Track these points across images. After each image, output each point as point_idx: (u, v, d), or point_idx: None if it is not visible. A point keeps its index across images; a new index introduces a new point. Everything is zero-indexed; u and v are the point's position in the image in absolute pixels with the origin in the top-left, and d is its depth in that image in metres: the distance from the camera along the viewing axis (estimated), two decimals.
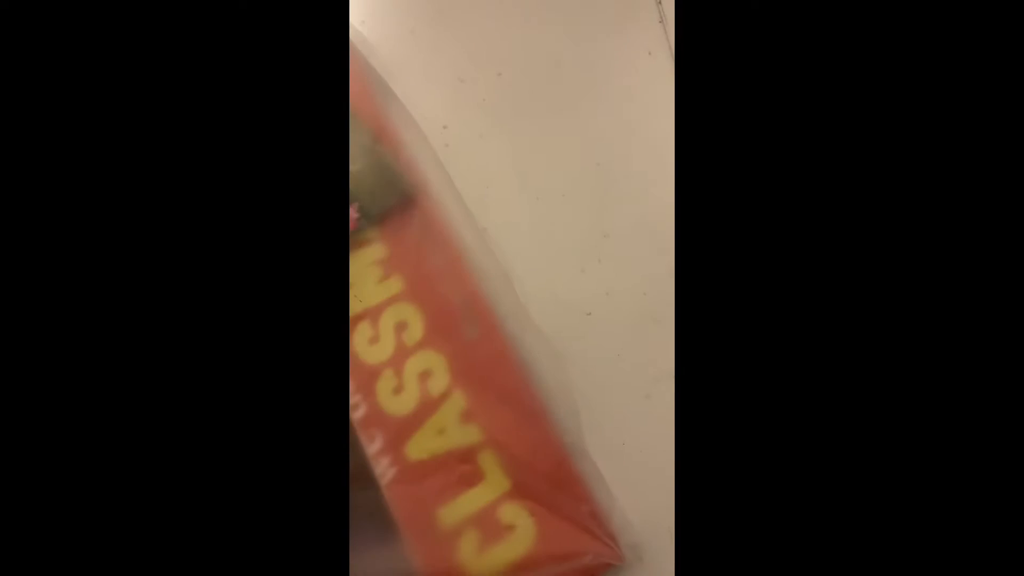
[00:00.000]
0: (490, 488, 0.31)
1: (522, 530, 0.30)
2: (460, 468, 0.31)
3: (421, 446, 0.32)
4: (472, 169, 0.36)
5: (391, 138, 0.35)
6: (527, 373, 0.33)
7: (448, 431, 0.32)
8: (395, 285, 0.34)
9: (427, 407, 0.32)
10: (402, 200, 0.35)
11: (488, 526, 0.30)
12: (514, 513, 0.30)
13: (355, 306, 0.33)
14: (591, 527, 0.30)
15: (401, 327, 0.33)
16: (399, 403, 0.32)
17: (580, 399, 0.32)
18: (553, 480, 0.31)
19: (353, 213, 0.34)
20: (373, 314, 0.33)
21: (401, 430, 0.32)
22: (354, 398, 0.32)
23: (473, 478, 0.31)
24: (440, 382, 0.33)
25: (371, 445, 0.31)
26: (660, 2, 0.39)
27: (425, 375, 0.33)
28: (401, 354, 0.33)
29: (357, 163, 0.34)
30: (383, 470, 0.31)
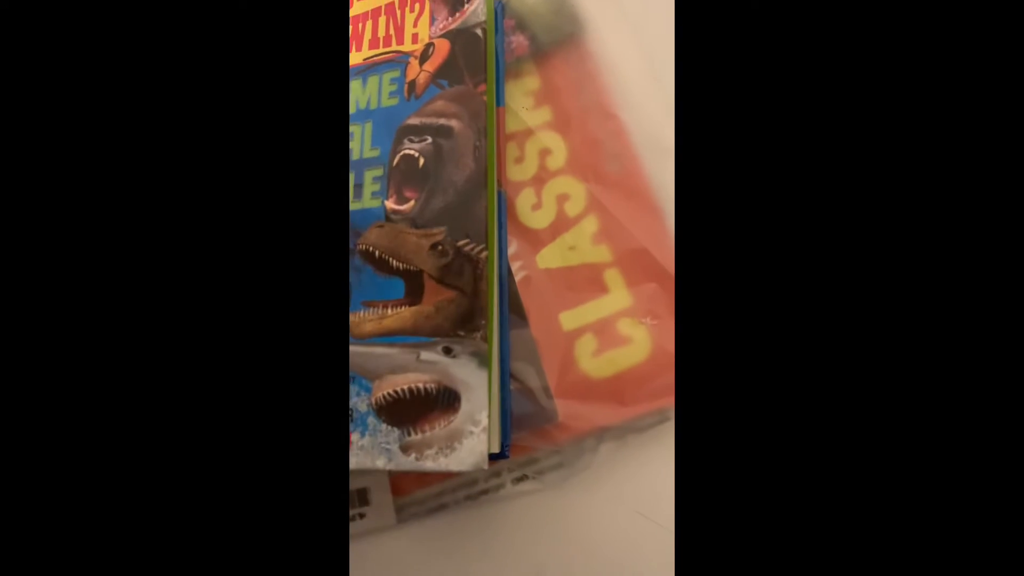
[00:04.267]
0: (612, 302, 0.33)
1: (638, 343, 0.32)
2: (586, 281, 0.33)
3: (552, 257, 0.34)
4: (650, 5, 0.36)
5: None
6: (662, 210, 0.34)
7: (579, 248, 0.34)
8: (544, 115, 0.36)
9: (562, 225, 0.34)
10: (569, 35, 0.36)
11: (606, 334, 0.32)
12: (632, 327, 0.32)
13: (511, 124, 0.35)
14: None
15: (545, 153, 0.36)
16: (536, 218, 0.35)
17: None
18: (673, 306, 0.32)
19: (524, 40, 0.36)
20: (520, 138, 0.36)
21: (536, 241, 0.34)
22: None
23: (597, 292, 0.33)
24: (577, 205, 0.35)
25: (508, 248, 0.34)
26: None
27: (563, 197, 0.35)
28: (543, 176, 0.35)
29: None
30: (516, 270, 0.33)
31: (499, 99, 0.34)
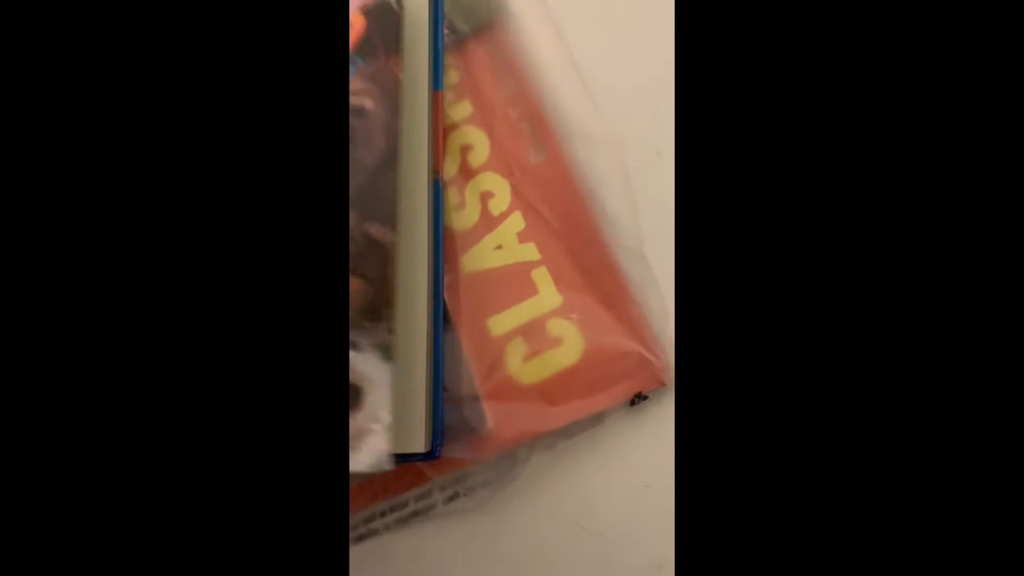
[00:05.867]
0: (541, 303, 0.31)
1: (569, 343, 0.30)
2: (514, 283, 0.31)
3: (477, 259, 0.32)
4: None
5: None
6: (590, 201, 0.32)
7: (505, 248, 0.32)
8: (464, 109, 0.34)
9: (486, 224, 0.32)
10: (485, 23, 0.35)
11: (536, 337, 0.30)
12: (562, 328, 0.30)
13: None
14: (641, 343, 0.29)
15: (467, 149, 0.34)
16: (460, 219, 0.33)
17: (645, 232, 0.32)
18: (607, 303, 0.30)
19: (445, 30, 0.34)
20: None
21: (460, 243, 0.32)
22: None
23: (526, 293, 0.31)
24: (501, 203, 0.33)
25: None
26: None
27: (487, 195, 0.33)
28: (466, 174, 0.33)
29: None
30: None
31: (437, 82, 0.32)
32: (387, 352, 0.26)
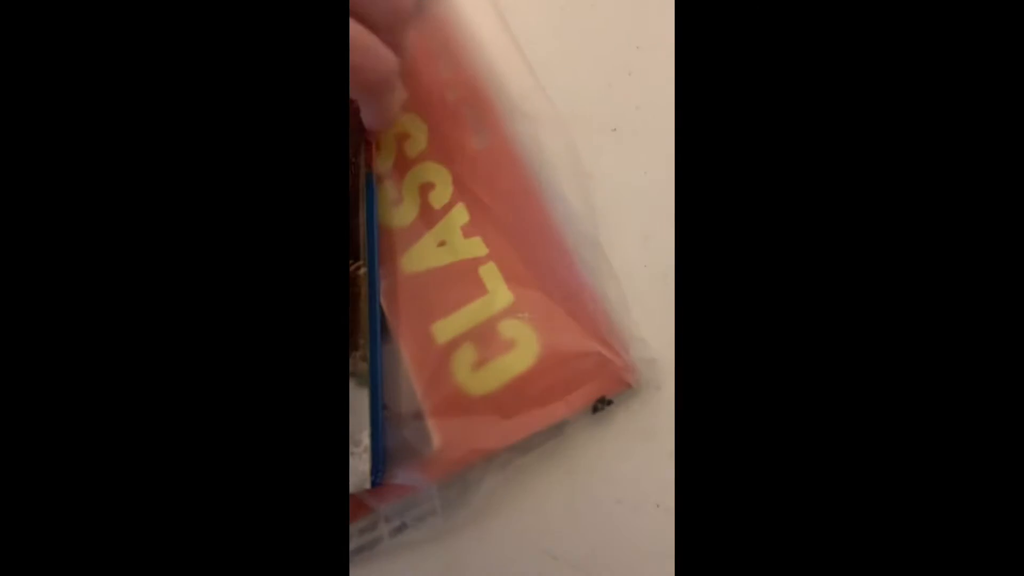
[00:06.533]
0: (491, 303, 0.27)
1: (523, 347, 0.27)
2: (460, 282, 0.28)
3: (418, 259, 0.29)
4: None
5: None
6: (539, 186, 0.29)
7: (449, 244, 0.29)
8: (399, 95, 0.31)
9: (428, 219, 0.29)
10: (415, 6, 0.31)
11: (487, 342, 0.27)
12: (515, 329, 0.27)
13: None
14: (600, 341, 0.26)
15: (403, 138, 0.30)
16: (398, 215, 0.29)
17: (601, 217, 0.29)
18: (561, 298, 0.27)
19: None
20: None
21: (399, 242, 0.29)
22: None
23: (474, 292, 0.28)
24: (443, 195, 0.29)
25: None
26: None
27: (427, 187, 0.30)
28: (402, 165, 0.30)
29: None
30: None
31: None
32: (362, 379, 0.26)
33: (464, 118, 0.30)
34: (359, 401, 0.25)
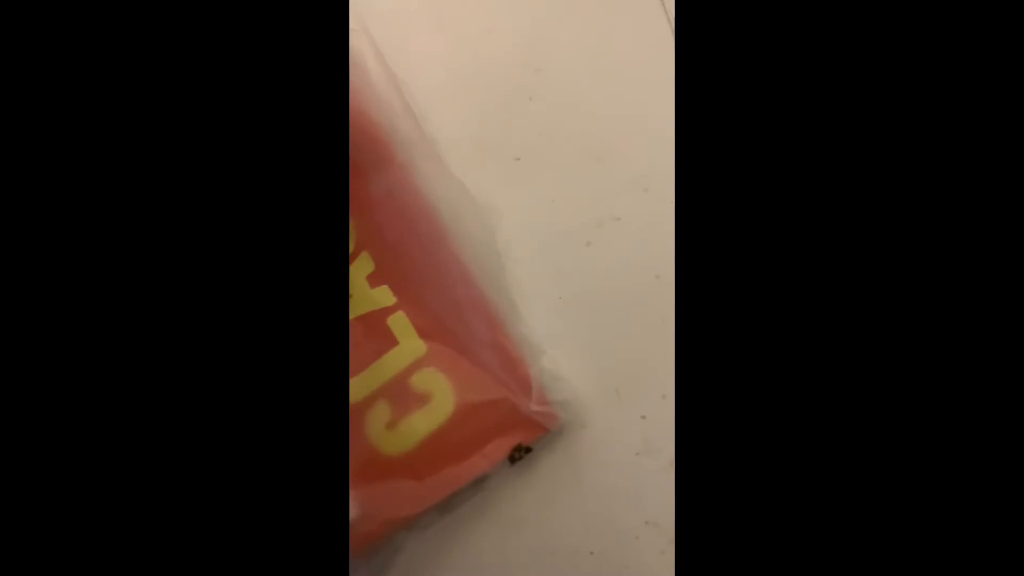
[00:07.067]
0: (402, 355, 0.26)
1: (439, 399, 0.25)
2: (369, 336, 0.27)
3: None
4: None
5: None
6: (445, 228, 0.28)
7: (356, 296, 0.27)
8: None
9: None
10: None
11: (401, 397, 0.26)
12: (429, 379, 0.26)
13: None
14: (506, 386, 0.25)
15: None
16: None
17: (509, 252, 0.28)
18: (468, 342, 0.26)
19: None
20: None
21: None
22: None
23: (384, 345, 0.26)
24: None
25: None
26: None
27: None
28: None
29: None
30: None
31: None
32: None
33: (362, 165, 0.29)
34: None
